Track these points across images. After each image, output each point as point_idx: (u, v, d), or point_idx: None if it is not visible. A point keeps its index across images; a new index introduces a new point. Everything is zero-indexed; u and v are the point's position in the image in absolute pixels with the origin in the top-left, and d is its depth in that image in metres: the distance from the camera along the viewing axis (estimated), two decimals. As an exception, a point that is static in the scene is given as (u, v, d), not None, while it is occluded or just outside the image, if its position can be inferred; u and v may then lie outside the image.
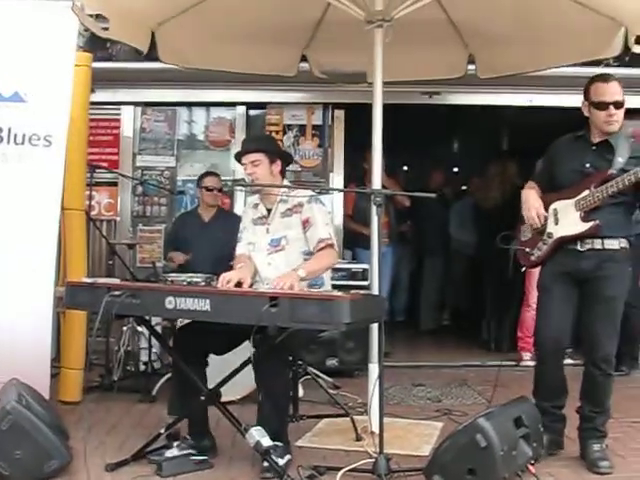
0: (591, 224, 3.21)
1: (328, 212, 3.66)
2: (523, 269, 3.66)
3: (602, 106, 3.22)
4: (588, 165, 3.29)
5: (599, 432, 3.24)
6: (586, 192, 3.23)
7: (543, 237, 3.40)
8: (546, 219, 3.37)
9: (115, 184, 6.25)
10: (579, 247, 3.26)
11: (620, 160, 3.20)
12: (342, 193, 6.24)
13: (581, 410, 3.29)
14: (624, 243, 3.26)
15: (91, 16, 3.65)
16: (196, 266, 4.87)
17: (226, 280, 3.21)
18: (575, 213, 3.26)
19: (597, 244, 3.23)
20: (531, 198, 3.42)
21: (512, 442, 2.86)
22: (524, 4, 4.12)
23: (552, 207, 3.37)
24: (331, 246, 3.42)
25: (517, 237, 3.58)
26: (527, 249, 3.47)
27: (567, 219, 3.29)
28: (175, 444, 3.24)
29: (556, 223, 3.35)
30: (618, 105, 3.22)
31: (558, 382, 3.38)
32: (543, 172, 3.55)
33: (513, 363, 5.56)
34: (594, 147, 3.31)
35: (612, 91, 3.23)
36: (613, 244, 3.23)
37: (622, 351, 5.39)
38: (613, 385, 3.28)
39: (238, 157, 3.61)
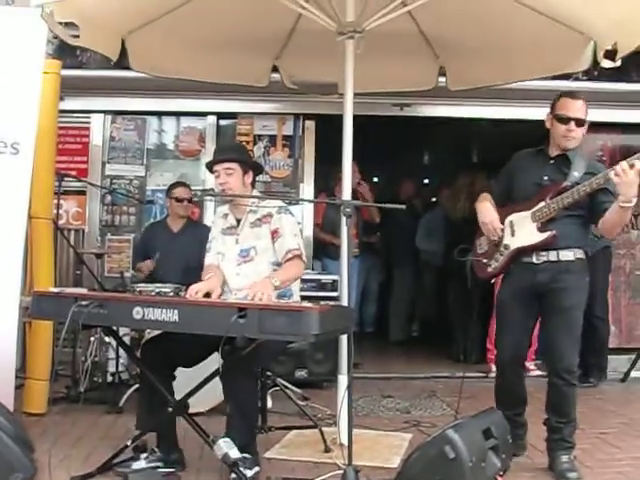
0: (547, 234, 3.28)
1: (298, 223, 3.66)
2: (492, 281, 3.70)
3: (564, 120, 3.30)
4: (546, 178, 3.37)
5: (567, 443, 3.28)
6: (542, 204, 3.30)
7: (500, 248, 3.45)
8: (502, 231, 3.43)
9: (84, 193, 6.17)
10: (534, 260, 3.32)
11: (575, 174, 3.28)
12: (312, 204, 6.25)
13: (548, 422, 3.33)
14: (580, 254, 3.32)
15: (61, 23, 3.61)
16: (165, 277, 4.84)
17: (194, 291, 3.20)
18: (532, 224, 3.32)
19: (552, 256, 3.29)
20: (486, 210, 3.48)
21: (481, 453, 2.87)
22: (495, 18, 4.18)
23: (508, 219, 3.43)
24: (299, 257, 3.42)
25: (474, 250, 3.63)
26: (484, 260, 3.52)
27: (523, 230, 3.36)
28: (143, 456, 3.21)
29: (512, 235, 3.41)
30: (579, 122, 3.31)
31: (519, 392, 3.47)
32: (501, 185, 3.59)
33: (482, 374, 5.59)
34: (552, 161, 3.39)
35: (576, 108, 3.31)
36: (568, 255, 3.29)
37: (590, 363, 5.51)
38: (577, 396, 3.32)
39: (210, 165, 3.59)
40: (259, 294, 3.03)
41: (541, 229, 3.30)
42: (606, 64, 4.14)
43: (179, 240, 5.14)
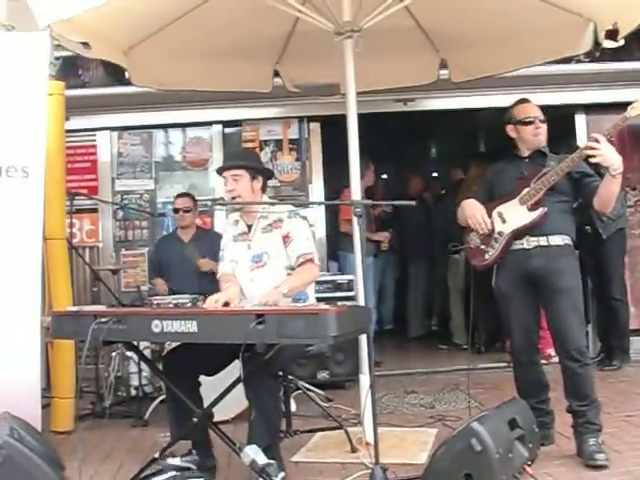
0: (539, 211, 3.36)
1: (310, 226, 3.67)
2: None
3: (529, 122, 3.47)
4: (525, 172, 3.47)
5: (593, 425, 3.25)
6: (527, 189, 3.39)
7: (494, 236, 3.49)
8: (492, 223, 3.48)
9: (95, 210, 6.24)
10: (526, 245, 3.40)
11: (552, 163, 3.39)
12: (323, 206, 6.27)
13: (570, 408, 3.32)
14: (567, 240, 3.40)
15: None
16: (180, 287, 4.88)
17: (213, 300, 3.22)
18: (521, 207, 3.41)
19: (542, 241, 3.37)
20: (471, 204, 3.55)
21: (507, 444, 2.86)
22: (492, 6, 4.15)
23: (496, 211, 3.51)
24: (311, 261, 3.43)
25: (466, 245, 3.66)
26: (482, 246, 3.54)
27: (514, 215, 3.43)
28: (180, 454, 3.23)
29: (504, 222, 3.47)
30: (542, 120, 3.47)
31: (538, 379, 3.47)
32: (482, 193, 3.65)
33: (504, 364, 5.57)
34: (527, 159, 3.52)
35: (534, 109, 3.52)
36: (557, 240, 3.37)
37: (613, 345, 5.48)
38: (594, 375, 3.32)
39: (220, 172, 3.61)
40: (266, 301, 3.05)
41: (531, 209, 3.37)
42: (608, 44, 4.10)
43: (190, 249, 5.17)
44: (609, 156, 3.13)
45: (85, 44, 3.67)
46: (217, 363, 3.32)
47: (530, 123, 3.46)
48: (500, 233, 3.47)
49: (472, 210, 3.52)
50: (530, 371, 3.47)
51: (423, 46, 4.86)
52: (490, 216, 3.48)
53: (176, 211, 5.30)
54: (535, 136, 3.47)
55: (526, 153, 3.53)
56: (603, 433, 3.30)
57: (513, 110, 3.56)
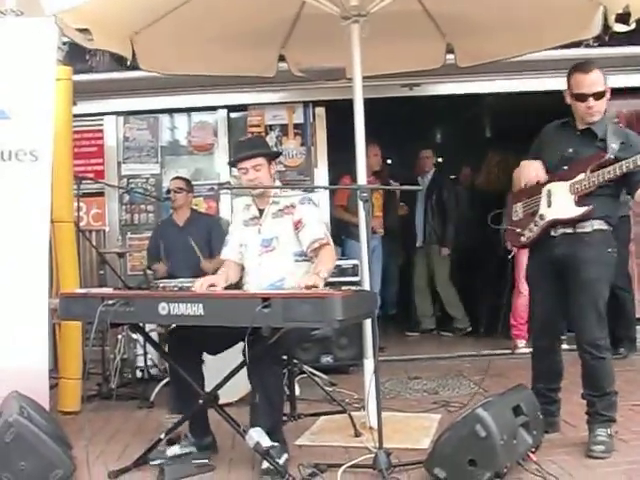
0: (585, 209, 3.20)
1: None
2: (510, 256, 3.69)
3: (582, 98, 3.23)
4: (571, 150, 3.30)
5: (602, 417, 3.22)
6: (582, 176, 3.21)
7: (535, 218, 3.38)
8: (539, 200, 3.36)
9: (102, 194, 6.27)
10: (552, 232, 3.29)
11: (614, 146, 3.19)
12: (327, 191, 6.28)
13: (583, 395, 3.30)
14: (599, 225, 3.23)
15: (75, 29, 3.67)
16: (177, 271, 4.92)
17: (199, 284, 3.31)
18: (569, 196, 3.24)
19: (568, 228, 3.25)
20: (529, 163, 3.41)
21: (512, 431, 2.88)
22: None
23: (546, 188, 3.35)
24: (327, 244, 3.44)
25: (508, 216, 3.56)
26: (518, 229, 3.45)
27: (560, 202, 3.27)
28: (177, 443, 3.27)
29: (549, 205, 3.33)
30: (597, 96, 3.23)
31: (552, 364, 3.44)
32: (533, 158, 3.53)
33: (508, 351, 5.59)
34: (578, 133, 3.33)
35: (591, 82, 3.22)
36: (585, 227, 3.22)
37: (619, 334, 5.48)
38: (612, 370, 3.26)
39: (235, 162, 3.59)
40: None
41: (578, 203, 3.21)
42: (619, 28, 4.04)
43: (185, 233, 5.20)
44: None
45: (86, 30, 3.68)
46: (221, 344, 3.35)
47: (583, 99, 3.23)
48: (542, 217, 3.33)
49: (529, 167, 3.37)
50: (547, 357, 3.44)
51: (429, 31, 4.83)
52: (540, 191, 3.36)
53: (168, 192, 5.37)
54: (588, 115, 3.25)
55: (580, 126, 3.32)
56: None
57: (570, 78, 3.30)
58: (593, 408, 3.25)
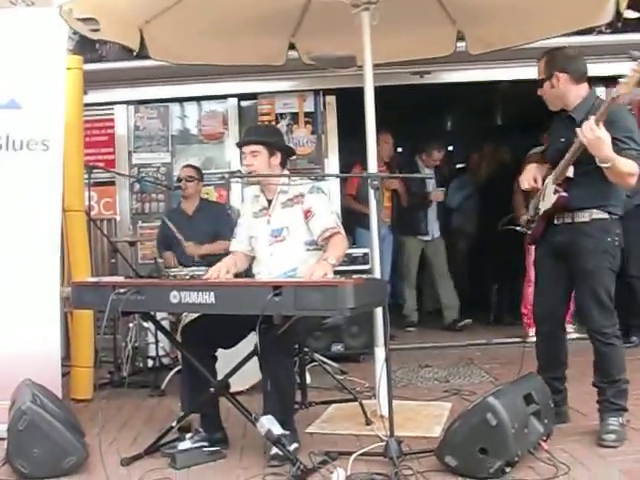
0: (556, 196, 3.23)
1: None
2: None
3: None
4: (563, 140, 3.28)
5: (612, 405, 3.21)
6: (560, 163, 3.24)
7: (537, 210, 3.43)
8: (540, 196, 3.40)
9: (113, 183, 6.29)
10: (555, 221, 3.31)
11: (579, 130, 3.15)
12: (338, 179, 6.26)
13: (593, 382, 3.30)
14: (597, 214, 3.19)
15: (79, 19, 3.66)
16: (186, 259, 4.93)
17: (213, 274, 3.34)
18: (552, 186, 3.28)
19: (568, 218, 3.25)
20: (527, 170, 3.45)
21: (523, 419, 2.88)
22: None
23: (546, 181, 3.38)
24: (338, 232, 3.43)
25: (521, 218, 3.61)
26: (526, 230, 3.51)
27: (548, 193, 3.33)
28: (188, 436, 3.29)
29: (543, 199, 3.38)
30: (540, 84, 3.32)
31: (554, 351, 3.44)
32: (546, 148, 3.57)
33: (519, 339, 5.58)
34: (566, 121, 3.30)
35: (537, 71, 3.36)
36: (583, 216, 3.20)
37: (631, 322, 5.45)
38: (622, 358, 3.24)
39: (239, 146, 3.64)
40: (316, 273, 3.05)
41: (555, 191, 3.24)
42: (630, 14, 4.00)
43: (194, 222, 5.22)
44: (591, 149, 2.95)
45: (91, 20, 3.67)
46: (234, 335, 3.36)
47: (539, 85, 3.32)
48: (538, 211, 3.40)
49: (523, 176, 3.43)
50: (548, 342, 3.44)
51: (440, 18, 4.78)
52: (543, 183, 3.38)
53: (179, 180, 5.35)
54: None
55: (564, 114, 3.32)
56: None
57: None
58: (603, 396, 3.24)
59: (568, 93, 3.27)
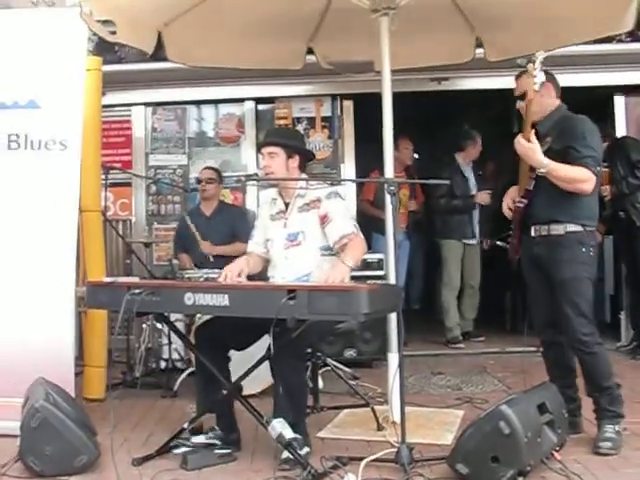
0: (514, 205, 3.38)
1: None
2: None
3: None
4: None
5: (608, 412, 3.20)
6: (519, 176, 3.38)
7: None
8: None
9: (129, 184, 6.32)
10: (533, 233, 3.34)
11: (548, 139, 3.27)
12: (355, 184, 6.26)
13: (586, 393, 3.31)
14: (572, 227, 3.23)
15: (98, 21, 3.69)
16: (202, 261, 4.94)
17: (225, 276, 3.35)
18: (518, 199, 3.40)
19: (544, 230, 3.29)
20: (507, 194, 3.52)
21: (536, 429, 2.85)
22: (530, -17, 4.07)
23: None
24: (357, 236, 3.41)
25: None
26: (505, 244, 3.62)
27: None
28: (203, 433, 3.31)
29: None
30: (518, 97, 3.41)
31: (560, 360, 3.43)
32: None
33: (534, 349, 5.52)
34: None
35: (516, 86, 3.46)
36: (558, 229, 3.24)
37: (640, 334, 5.41)
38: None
39: (258, 148, 3.64)
40: (332, 279, 3.06)
41: (518, 202, 3.37)
42: (651, 23, 3.97)
43: (212, 223, 5.24)
44: (524, 156, 3.13)
45: (108, 22, 3.70)
46: (247, 337, 3.36)
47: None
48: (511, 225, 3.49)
49: (503, 203, 3.51)
50: (552, 351, 3.44)
51: (459, 24, 4.78)
52: None
53: (199, 182, 5.36)
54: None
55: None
56: (634, 422, 3.24)
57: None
58: (598, 405, 3.24)
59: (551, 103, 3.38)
